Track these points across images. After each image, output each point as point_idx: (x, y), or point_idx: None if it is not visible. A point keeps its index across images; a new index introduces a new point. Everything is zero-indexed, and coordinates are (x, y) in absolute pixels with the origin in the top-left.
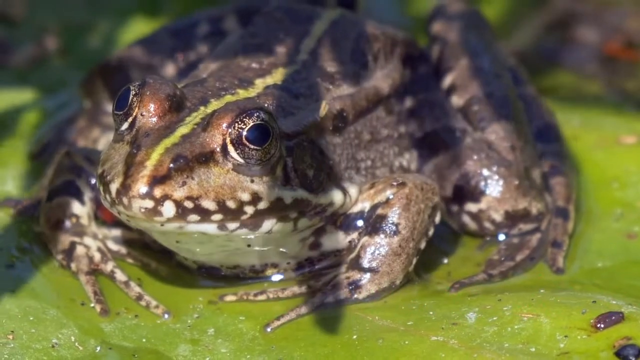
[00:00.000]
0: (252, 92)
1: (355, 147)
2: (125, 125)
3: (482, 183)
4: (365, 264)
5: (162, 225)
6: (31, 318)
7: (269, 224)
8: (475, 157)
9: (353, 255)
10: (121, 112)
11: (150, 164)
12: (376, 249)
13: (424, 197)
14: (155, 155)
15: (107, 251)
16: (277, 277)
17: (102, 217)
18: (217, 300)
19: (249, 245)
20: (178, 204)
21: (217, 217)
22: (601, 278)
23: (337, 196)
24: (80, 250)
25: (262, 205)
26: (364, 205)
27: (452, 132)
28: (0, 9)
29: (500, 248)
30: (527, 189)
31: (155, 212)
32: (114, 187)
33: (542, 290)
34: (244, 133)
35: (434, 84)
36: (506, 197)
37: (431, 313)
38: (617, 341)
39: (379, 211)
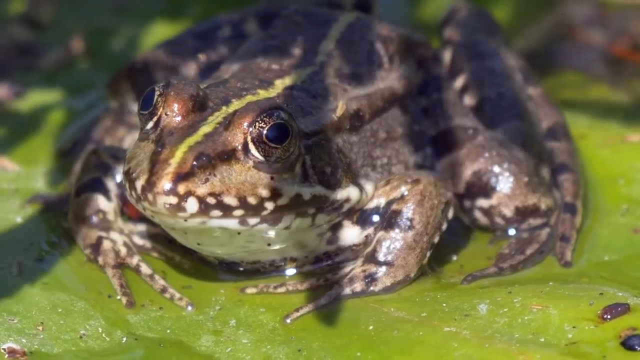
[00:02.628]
0: (272, 93)
1: (371, 145)
2: (150, 125)
3: (493, 180)
4: (381, 257)
5: (185, 220)
6: (60, 310)
7: (288, 220)
8: (486, 154)
9: (369, 249)
10: (146, 112)
11: (174, 161)
12: (391, 243)
13: (438, 193)
14: (179, 153)
15: (133, 245)
16: (296, 271)
17: (128, 212)
18: (239, 292)
19: (268, 245)
20: (201, 200)
21: (239, 212)
22: (608, 271)
23: (353, 192)
24: (107, 244)
25: (281, 201)
26: (380, 201)
27: (465, 130)
28: (29, 14)
29: (511, 242)
30: (537, 185)
31: (179, 207)
32: (139, 183)
33: (551, 283)
34: (265, 132)
35: (447, 84)
36: (516, 193)
37: (444, 305)
38: (623, 331)
39: (394, 207)
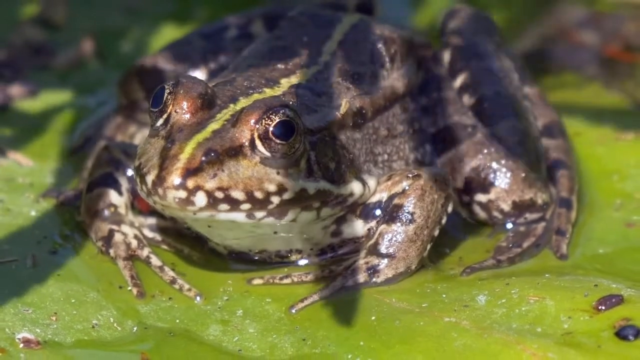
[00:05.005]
0: (278, 91)
1: (374, 142)
2: (160, 122)
3: (491, 175)
4: (383, 250)
5: (194, 214)
6: (73, 300)
7: (293, 213)
8: (485, 151)
9: (371, 242)
10: (156, 109)
11: (183, 157)
12: (393, 236)
13: (438, 188)
14: (188, 149)
15: (143, 238)
16: (301, 262)
17: (139, 206)
18: (246, 284)
19: (275, 232)
20: (209, 194)
21: (246, 206)
22: (602, 263)
23: (356, 187)
24: (118, 237)
25: (287, 195)
26: (382, 195)
27: (464, 128)
28: (43, 15)
29: (508, 236)
30: (533, 180)
31: (188, 201)
32: (149, 178)
33: (547, 275)
34: (271, 129)
35: (447, 84)
36: (514, 189)
37: (444, 296)
38: (617, 322)
39: (396, 201)
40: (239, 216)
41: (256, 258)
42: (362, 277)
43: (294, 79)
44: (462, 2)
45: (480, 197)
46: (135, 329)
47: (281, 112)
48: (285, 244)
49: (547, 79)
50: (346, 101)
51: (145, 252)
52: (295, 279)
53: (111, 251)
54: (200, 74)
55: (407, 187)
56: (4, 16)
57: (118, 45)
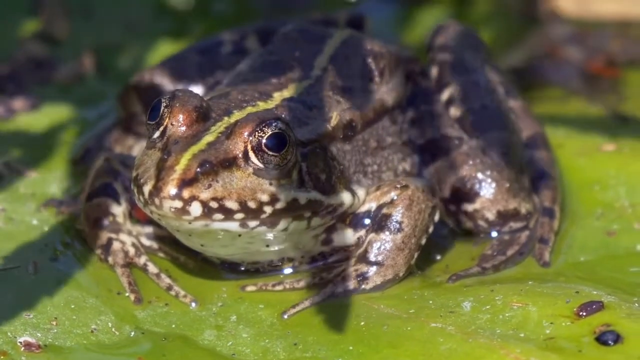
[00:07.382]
0: (271, 104)
1: (363, 154)
2: (156, 134)
3: (477, 185)
4: (372, 257)
5: (189, 223)
6: (73, 306)
7: (285, 222)
8: (470, 162)
9: (361, 250)
10: (153, 122)
11: (179, 168)
12: (382, 245)
13: (425, 198)
14: (184, 161)
15: (141, 246)
16: (292, 270)
17: (136, 216)
18: (240, 290)
19: (267, 246)
20: (204, 204)
21: (239, 216)
22: (583, 271)
23: (346, 197)
24: (116, 245)
25: (279, 205)
26: (371, 205)
27: (450, 140)
28: (45, 31)
29: (493, 244)
30: (517, 191)
31: (183, 211)
32: (146, 189)
33: (530, 282)
34: (264, 141)
35: (434, 97)
36: (498, 198)
37: (431, 302)
38: (598, 327)
39: (384, 211)
40: (233, 225)
41: (249, 269)
42: (351, 284)
43: (287, 93)
44: (451, 19)
45: (466, 207)
46: (132, 333)
47: (274, 124)
48: (277, 254)
49: (532, 93)
50: (337, 114)
51: (142, 259)
52: (288, 286)
53: (110, 259)
54: (196, 87)
55: (395, 197)
56: (7, 32)
57: (117, 59)
